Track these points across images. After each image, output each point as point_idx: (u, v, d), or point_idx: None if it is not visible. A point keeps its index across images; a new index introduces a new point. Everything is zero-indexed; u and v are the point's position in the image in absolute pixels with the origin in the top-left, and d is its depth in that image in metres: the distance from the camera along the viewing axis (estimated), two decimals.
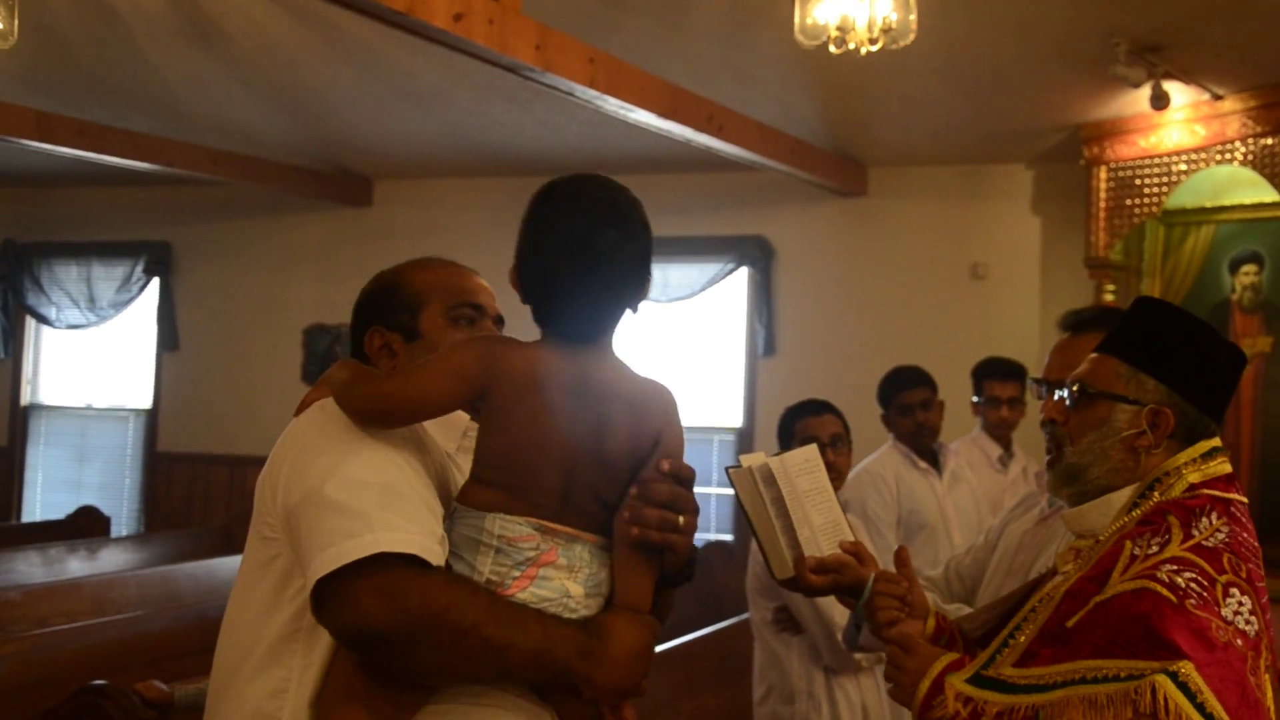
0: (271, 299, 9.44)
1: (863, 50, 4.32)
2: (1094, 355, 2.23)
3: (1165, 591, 1.88)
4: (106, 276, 9.88)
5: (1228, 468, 2.12)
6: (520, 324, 2.01)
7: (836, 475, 4.27)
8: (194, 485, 9.49)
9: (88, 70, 6.76)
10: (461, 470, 2.01)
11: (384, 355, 2.11)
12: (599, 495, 1.89)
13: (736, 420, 8.39)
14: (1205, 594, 1.89)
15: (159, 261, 9.69)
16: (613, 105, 5.51)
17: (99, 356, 10.15)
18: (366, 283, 2.21)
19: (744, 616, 4.80)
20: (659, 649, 4.66)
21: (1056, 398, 2.23)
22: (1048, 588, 2.14)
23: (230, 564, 6.75)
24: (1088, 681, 1.85)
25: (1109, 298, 6.77)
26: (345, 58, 6.45)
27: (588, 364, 1.89)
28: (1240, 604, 1.91)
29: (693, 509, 1.90)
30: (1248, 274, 6.53)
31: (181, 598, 6.23)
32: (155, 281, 9.75)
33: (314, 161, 8.73)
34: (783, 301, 8.20)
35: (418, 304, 2.11)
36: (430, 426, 2.04)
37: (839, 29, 4.31)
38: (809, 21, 4.41)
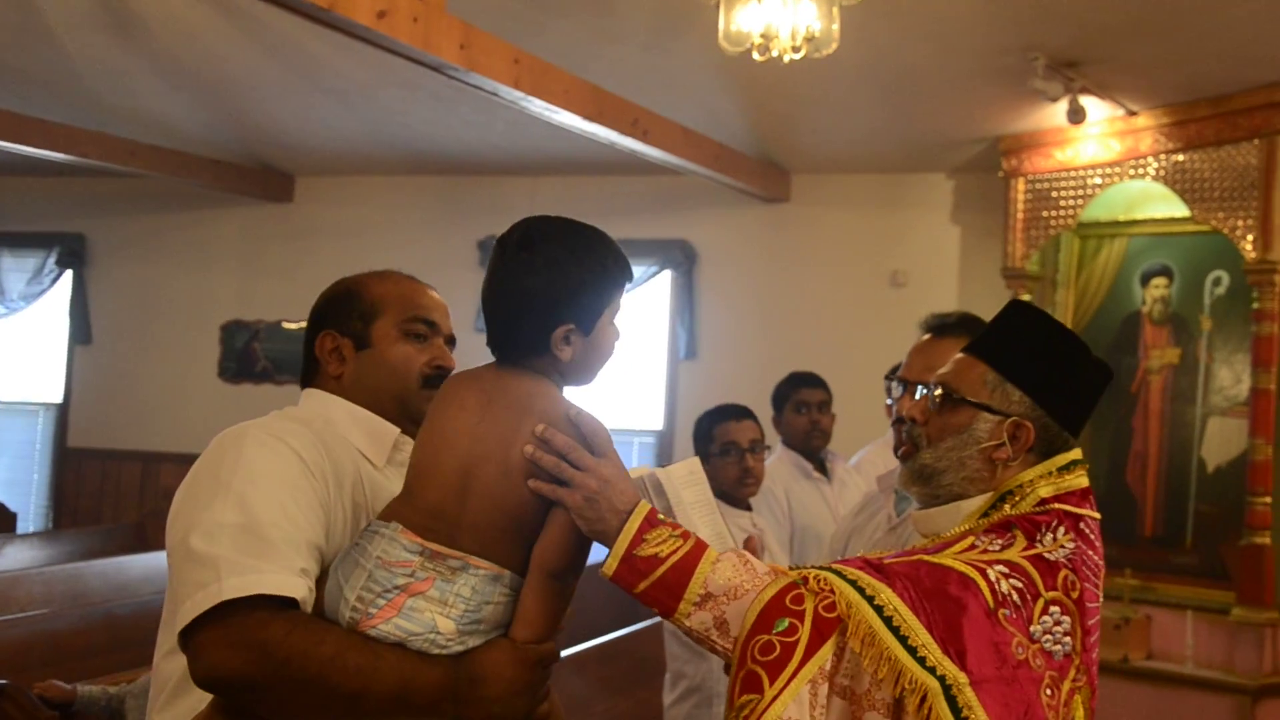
0: (189, 294, 9.33)
1: (786, 58, 4.35)
2: (962, 357, 2.19)
3: (986, 593, 1.87)
4: (17, 268, 9.70)
5: (1084, 482, 2.10)
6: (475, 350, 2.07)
7: (754, 481, 4.29)
8: (105, 482, 9.35)
9: (1, 58, 6.63)
10: (385, 486, 2.03)
11: (334, 359, 2.12)
12: (504, 514, 1.87)
13: (657, 423, 8.41)
14: (1022, 607, 1.89)
15: (73, 254, 9.54)
16: (537, 106, 5.50)
17: (8, 349, 9.96)
18: (326, 288, 2.21)
19: (658, 619, 4.82)
20: (575, 650, 4.67)
21: (919, 396, 2.20)
22: None
23: (141, 562, 6.65)
24: (883, 615, 1.82)
25: None
26: (268, 52, 6.38)
27: (501, 377, 1.93)
28: (1056, 623, 1.91)
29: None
30: (1158, 287, 6.66)
31: (89, 596, 6.12)
32: (68, 274, 9.60)
33: (235, 156, 8.63)
34: (705, 305, 8.24)
35: (372, 313, 2.12)
36: (359, 441, 2.06)
37: (763, 36, 4.33)
38: (733, 29, 4.43)
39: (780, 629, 1.83)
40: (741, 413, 4.30)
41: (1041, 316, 2.21)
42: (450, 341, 2.19)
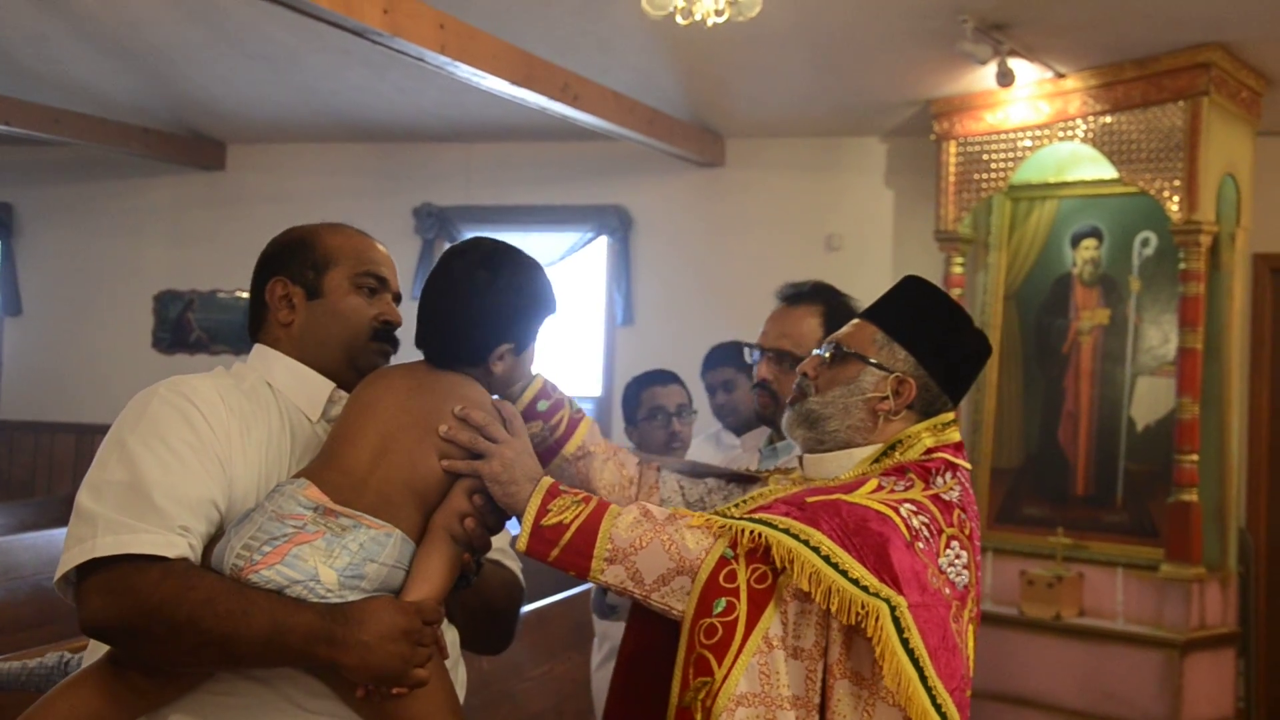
0: (120, 264, 9.19)
1: (709, 22, 4.34)
2: (857, 320, 2.35)
3: (902, 528, 2.00)
4: None
5: (958, 437, 2.26)
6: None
7: (681, 445, 4.32)
8: (38, 454, 9.22)
9: None
10: (319, 440, 2.08)
11: (283, 306, 2.15)
12: (415, 479, 1.96)
13: (596, 389, 8.41)
14: (931, 541, 2.03)
15: (0, 223, 9.37)
16: (465, 72, 5.45)
17: None
18: (275, 237, 2.25)
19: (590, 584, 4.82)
20: None
21: (814, 354, 2.33)
22: (767, 488, 2.29)
23: None
24: (820, 555, 1.92)
25: (957, 270, 6.92)
26: (193, 17, 6.29)
27: (433, 370, 2.09)
28: (957, 557, 2.06)
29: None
30: (1088, 248, 6.72)
31: (20, 569, 6.04)
32: None
33: (164, 124, 8.50)
34: (641, 271, 8.22)
35: (325, 264, 2.15)
36: (296, 396, 2.10)
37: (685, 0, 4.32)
38: None
39: (719, 610, 1.94)
40: (668, 378, 4.34)
41: (931, 289, 2.37)
42: (397, 299, 2.24)
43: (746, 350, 2.97)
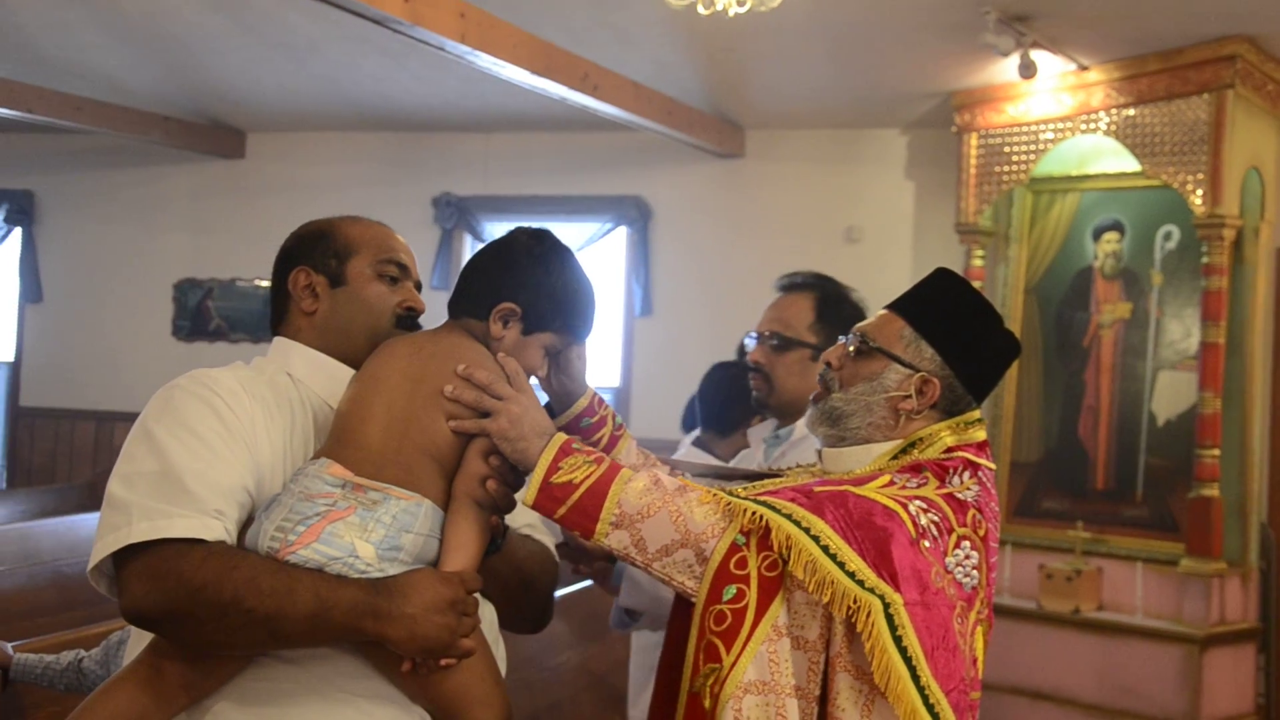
0: (141, 251, 9.23)
1: (730, 12, 4.32)
2: (884, 312, 2.29)
3: (909, 524, 1.96)
4: None
5: (983, 435, 2.22)
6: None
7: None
8: (59, 441, 9.27)
9: None
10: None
11: (306, 295, 2.17)
12: (430, 445, 1.96)
13: (615, 379, 8.41)
14: (939, 540, 1.99)
15: (21, 211, 9.42)
16: (485, 61, 5.45)
17: None
18: (295, 230, 2.26)
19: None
20: None
21: (840, 342, 2.30)
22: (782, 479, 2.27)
23: (91, 521, 6.58)
24: (820, 544, 1.90)
25: (978, 263, 6.89)
26: (214, 6, 6.30)
27: (437, 333, 2.08)
28: (967, 557, 2.02)
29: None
30: (1109, 242, 6.69)
31: (40, 555, 6.07)
32: (17, 231, 9.48)
33: (185, 112, 8.52)
34: (660, 262, 8.21)
35: (347, 252, 2.17)
36: (318, 385, 2.11)
37: None
38: None
39: (729, 597, 1.93)
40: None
41: (964, 285, 2.32)
42: (418, 287, 2.25)
43: (747, 340, 3.02)
